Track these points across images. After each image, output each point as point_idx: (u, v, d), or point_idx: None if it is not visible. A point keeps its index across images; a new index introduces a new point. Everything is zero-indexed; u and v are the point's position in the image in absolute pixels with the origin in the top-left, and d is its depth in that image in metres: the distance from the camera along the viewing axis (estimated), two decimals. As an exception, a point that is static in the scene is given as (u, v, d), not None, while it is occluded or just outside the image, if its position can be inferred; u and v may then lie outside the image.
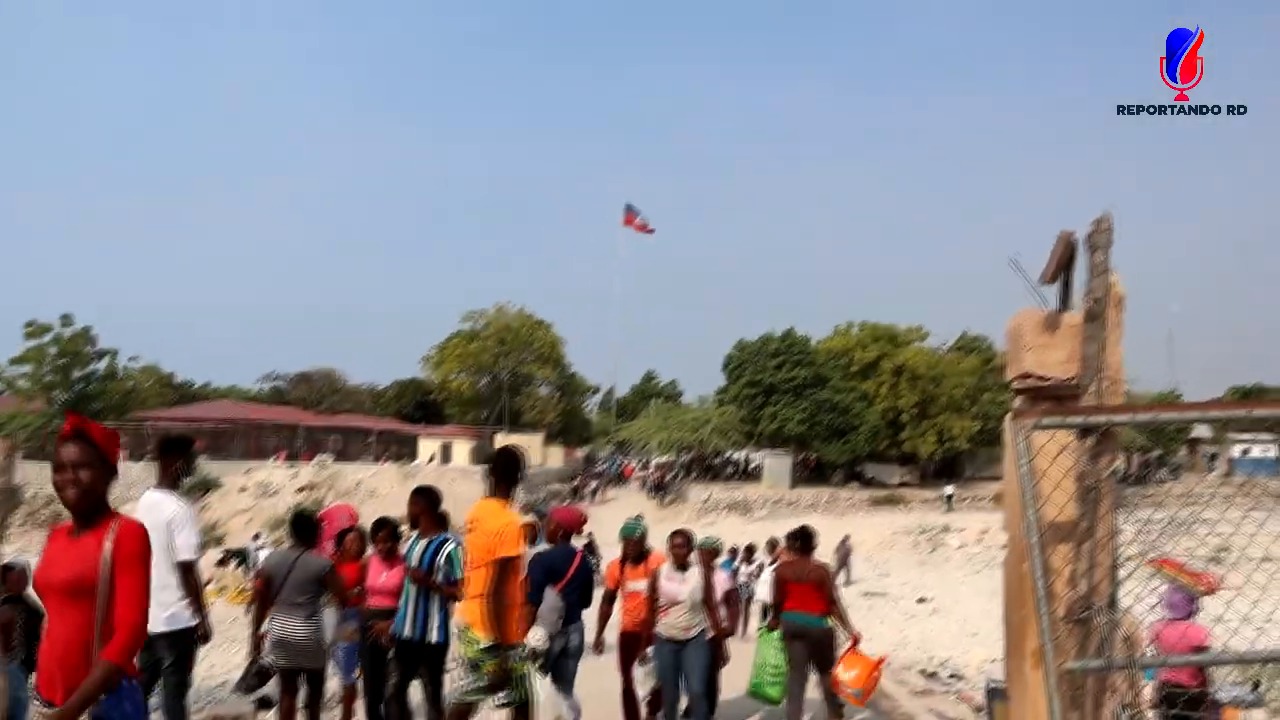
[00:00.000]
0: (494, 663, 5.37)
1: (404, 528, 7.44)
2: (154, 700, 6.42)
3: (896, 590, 26.55)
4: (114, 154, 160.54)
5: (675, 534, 7.53)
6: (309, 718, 7.02)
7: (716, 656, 7.73)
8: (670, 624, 7.22)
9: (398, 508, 7.64)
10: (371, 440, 56.51)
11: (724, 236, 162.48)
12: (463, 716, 5.74)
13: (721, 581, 8.24)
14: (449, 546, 6.51)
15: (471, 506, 5.83)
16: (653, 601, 7.29)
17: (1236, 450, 61.66)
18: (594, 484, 50.49)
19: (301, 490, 36.54)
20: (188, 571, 6.14)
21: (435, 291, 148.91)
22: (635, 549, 7.65)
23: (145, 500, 6.31)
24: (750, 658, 8.75)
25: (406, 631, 6.44)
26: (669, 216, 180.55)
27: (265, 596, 6.97)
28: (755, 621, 14.90)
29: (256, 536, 27.45)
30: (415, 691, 6.77)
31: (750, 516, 43.53)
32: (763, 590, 15.17)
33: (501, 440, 52.34)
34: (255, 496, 36.12)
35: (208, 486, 35.94)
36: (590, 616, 7.49)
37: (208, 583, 8.86)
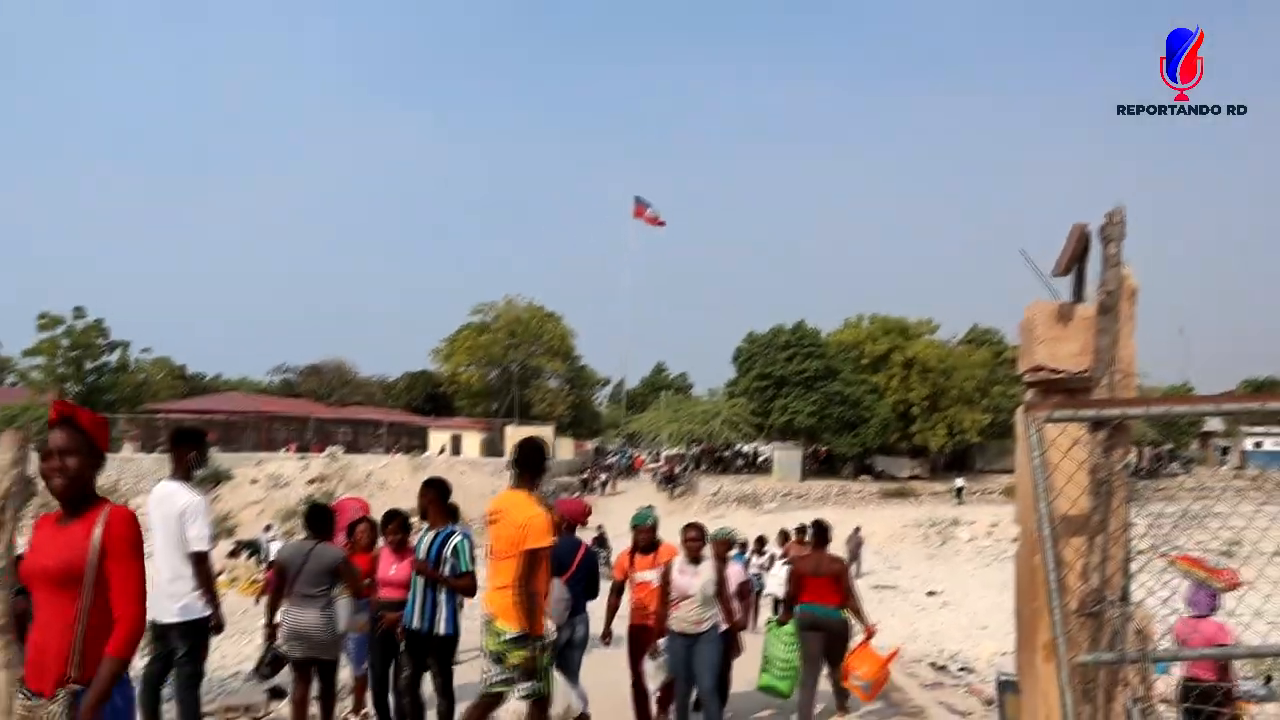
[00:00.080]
0: (519, 653, 5.38)
1: (415, 520, 7.45)
2: (167, 690, 6.47)
3: (906, 583, 26.53)
4: (124, 148, 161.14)
5: (688, 527, 7.47)
6: (322, 708, 7.05)
7: (729, 650, 7.68)
8: (681, 618, 7.16)
9: (408, 499, 7.67)
10: (382, 432, 56.64)
11: (734, 229, 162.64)
12: (489, 708, 5.73)
13: (735, 573, 8.21)
14: (456, 538, 6.52)
15: (495, 497, 5.85)
16: (665, 595, 7.24)
17: (1249, 443, 61.41)
18: (604, 476, 50.53)
19: (312, 482, 36.65)
20: (201, 562, 6.18)
21: (445, 284, 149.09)
22: (646, 538, 7.52)
23: (158, 491, 6.35)
24: (759, 651, 8.75)
25: (415, 623, 6.47)
26: (679, 209, 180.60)
27: (279, 587, 7.01)
28: (765, 614, 14.92)
29: (268, 528, 27.56)
30: (428, 683, 6.79)
31: (760, 509, 43.51)
32: (773, 584, 15.19)
33: (512, 432, 52.43)
34: (266, 488, 36.25)
35: (219, 478, 36.07)
36: (596, 608, 7.49)
37: (219, 574, 8.91)
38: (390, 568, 7.27)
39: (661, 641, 7.39)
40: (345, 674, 7.96)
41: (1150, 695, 2.93)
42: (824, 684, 8.82)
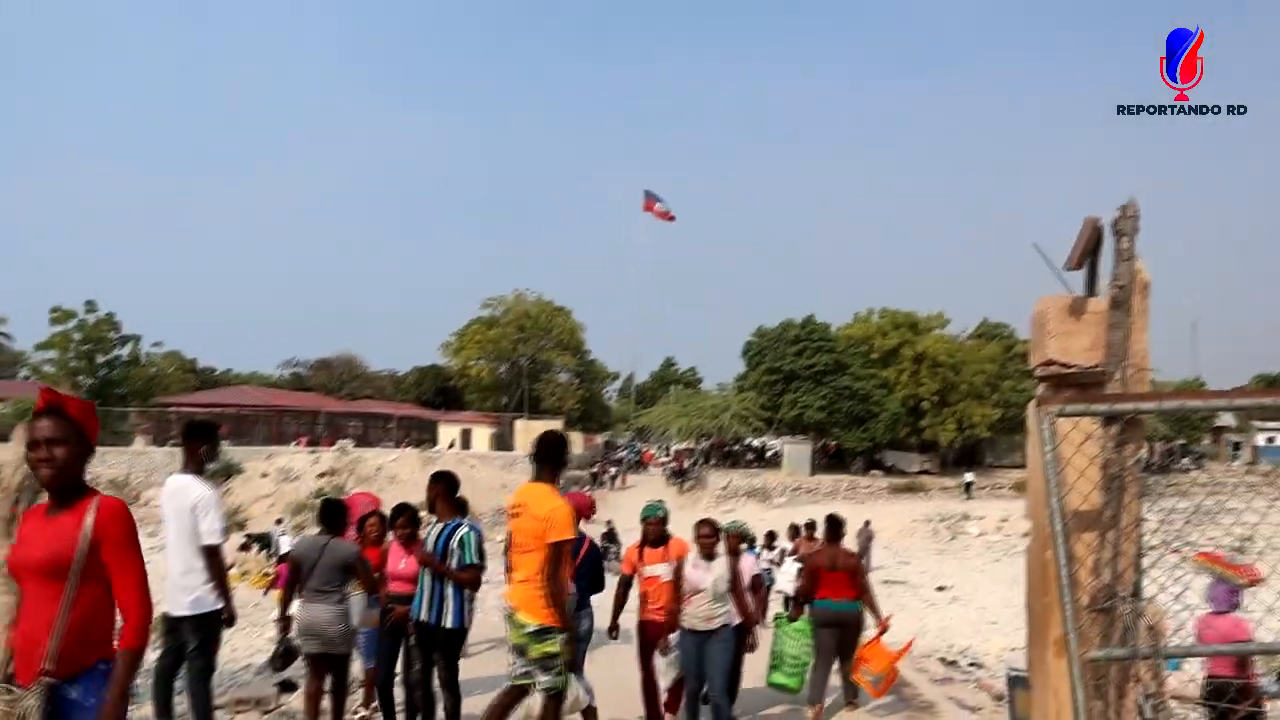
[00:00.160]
0: (540, 647, 5.39)
1: (424, 514, 7.47)
2: (179, 683, 6.50)
3: (916, 578, 26.47)
4: (130, 145, 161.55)
5: (702, 523, 7.40)
6: (333, 702, 7.08)
7: (741, 647, 7.64)
8: (692, 614, 7.12)
9: (418, 493, 7.70)
10: (392, 426, 56.78)
11: (744, 224, 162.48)
12: (515, 700, 5.73)
13: (748, 566, 8.18)
14: (462, 531, 6.52)
15: (516, 491, 5.85)
16: (677, 592, 7.17)
17: (1261, 439, 61.15)
18: (613, 470, 50.54)
19: (322, 476, 36.70)
20: (212, 555, 6.19)
21: (454, 279, 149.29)
22: (656, 531, 7.43)
23: (171, 485, 6.37)
24: (768, 646, 8.74)
25: (423, 616, 6.48)
26: (689, 204, 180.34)
27: (293, 582, 7.04)
28: (774, 609, 14.92)
29: (279, 521, 27.63)
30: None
31: (769, 503, 43.48)
32: (783, 581, 15.17)
33: (522, 426, 52.56)
34: (277, 482, 36.31)
35: (230, 472, 36.18)
36: (601, 601, 7.48)
37: (230, 567, 8.97)
38: (399, 562, 7.30)
39: (673, 637, 7.35)
40: (356, 668, 7.98)
41: (1162, 691, 2.92)
42: (833, 678, 8.84)
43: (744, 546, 9.50)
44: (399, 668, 7.58)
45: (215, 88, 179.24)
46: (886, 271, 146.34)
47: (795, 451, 50.59)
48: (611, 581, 7.65)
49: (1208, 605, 6.66)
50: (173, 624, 6.30)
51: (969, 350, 55.12)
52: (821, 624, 8.55)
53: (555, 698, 5.55)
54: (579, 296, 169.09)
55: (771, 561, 18.10)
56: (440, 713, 6.66)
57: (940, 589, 24.51)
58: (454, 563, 6.44)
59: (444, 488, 6.76)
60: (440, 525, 6.61)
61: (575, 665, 6.96)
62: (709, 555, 7.19)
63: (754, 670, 8.62)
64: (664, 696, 7.71)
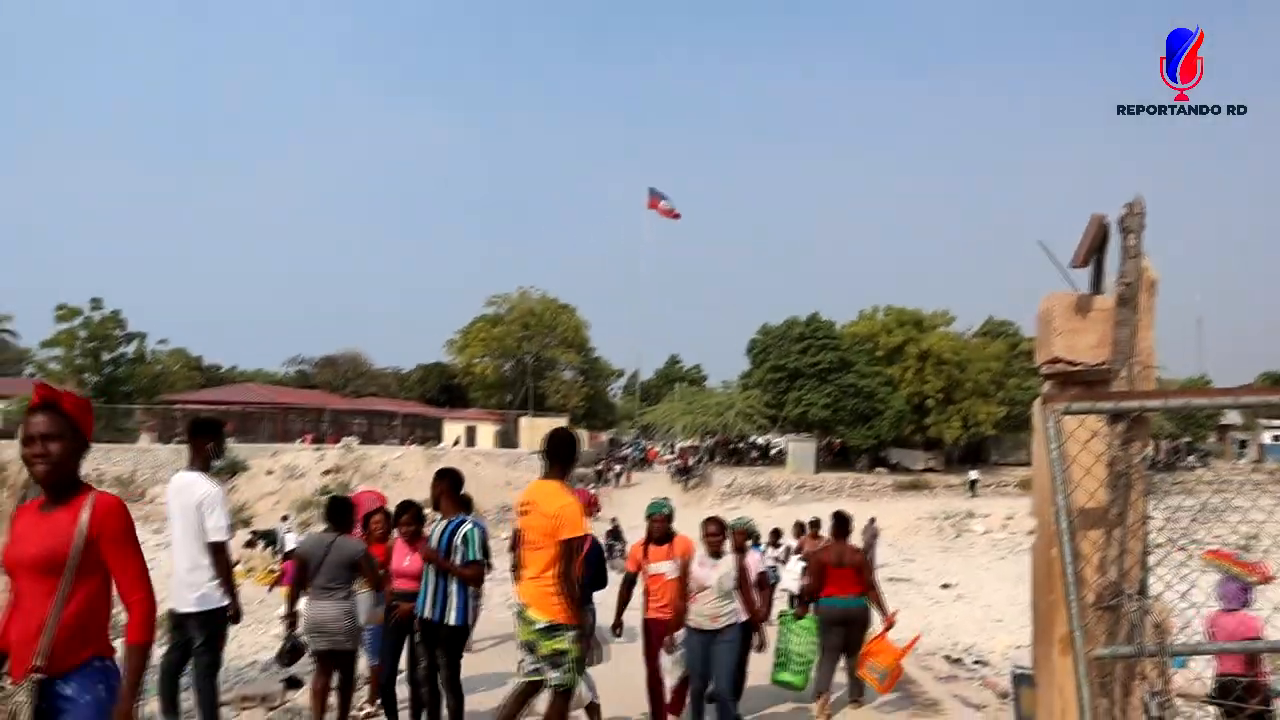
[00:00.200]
0: (550, 643, 5.39)
1: (428, 511, 7.47)
2: (185, 680, 6.52)
3: (921, 576, 26.44)
4: (139, 142, 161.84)
5: (708, 521, 7.36)
6: (340, 699, 7.10)
7: (748, 644, 7.60)
8: (698, 611, 7.07)
9: (423, 490, 7.70)
10: (397, 423, 56.81)
11: (749, 222, 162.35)
12: (527, 697, 5.72)
13: (755, 562, 8.15)
14: (465, 527, 6.52)
15: (525, 488, 5.85)
16: (684, 590, 7.14)
17: (1267, 436, 61.00)
18: (618, 468, 50.54)
19: (327, 473, 36.76)
20: (219, 552, 6.21)
21: (458, 277, 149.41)
22: (661, 529, 7.39)
23: (176, 481, 6.38)
24: (772, 643, 8.73)
25: (427, 612, 6.48)
26: (694, 202, 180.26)
27: (300, 578, 7.06)
28: (778, 606, 14.91)
29: (285, 518, 27.68)
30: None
31: (774, 501, 43.46)
32: (788, 579, 15.16)
33: (527, 424, 52.58)
34: (282, 479, 36.39)
35: (235, 469, 36.24)
36: (602, 599, 7.47)
37: (236, 564, 8.99)
38: (404, 559, 7.31)
39: (679, 635, 7.33)
40: (362, 665, 8.00)
41: (1168, 689, 2.92)
42: (838, 676, 8.83)
43: (749, 544, 9.49)
44: (403, 665, 7.59)
45: (217, 87, 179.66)
46: (892, 270, 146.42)
47: (800, 449, 50.57)
48: (616, 579, 7.63)
49: (1218, 603, 6.65)
50: (179, 620, 6.31)
51: (974, 348, 55.05)
52: (828, 621, 8.55)
53: (564, 694, 5.56)
54: (583, 294, 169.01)
55: (776, 559, 18.07)
56: (444, 711, 6.66)
57: (945, 586, 24.48)
58: (458, 559, 6.44)
59: (448, 485, 6.76)
60: (444, 522, 6.62)
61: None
62: (716, 553, 7.17)
63: (758, 668, 8.62)
64: (669, 695, 7.67)
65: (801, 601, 9.18)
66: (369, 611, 7.32)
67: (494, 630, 12.31)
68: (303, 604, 7.07)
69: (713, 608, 7.06)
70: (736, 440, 54.24)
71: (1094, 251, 3.12)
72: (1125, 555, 2.87)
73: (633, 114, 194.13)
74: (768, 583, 8.88)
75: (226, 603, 6.26)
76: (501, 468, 41.07)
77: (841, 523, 9.03)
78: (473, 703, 6.70)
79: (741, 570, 7.30)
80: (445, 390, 73.43)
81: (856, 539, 9.54)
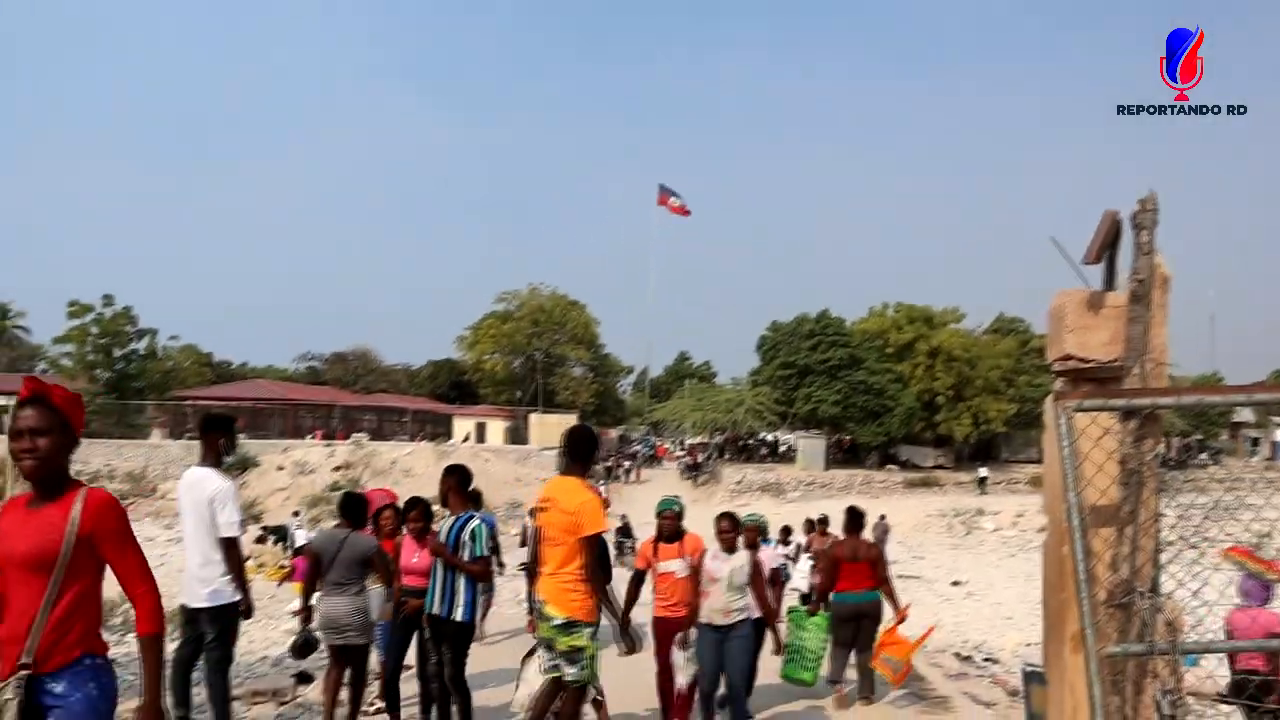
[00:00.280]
0: (566, 639, 5.39)
1: (438, 507, 7.49)
2: (196, 674, 6.55)
3: (930, 573, 26.37)
4: (147, 139, 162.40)
5: (721, 517, 7.34)
6: (351, 694, 7.13)
7: (760, 641, 7.56)
8: (710, 606, 7.04)
9: (433, 487, 7.71)
10: (406, 420, 56.89)
11: (757, 219, 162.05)
12: (554, 695, 5.70)
13: (768, 557, 8.14)
14: (473, 523, 6.54)
15: (545, 485, 5.86)
16: (697, 587, 7.10)
17: (1280, 435, 60.67)
18: (627, 464, 50.52)
19: (338, 469, 36.83)
20: (231, 548, 6.23)
21: (469, 274, 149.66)
22: (670, 526, 7.30)
23: (188, 477, 6.41)
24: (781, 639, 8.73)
25: (435, 608, 6.50)
26: (704, 199, 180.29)
27: (314, 574, 7.10)
28: (787, 603, 14.88)
29: (296, 514, 27.75)
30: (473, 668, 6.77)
31: (784, 498, 43.42)
32: (798, 578, 15.14)
33: (537, 420, 52.63)
34: (292, 475, 36.46)
35: (246, 465, 36.35)
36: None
37: (247, 559, 9.00)
38: (413, 556, 7.32)
39: (693, 633, 7.29)
40: (375, 660, 8.02)
41: (1180, 687, 2.91)
42: (849, 673, 8.83)
43: (760, 540, 9.48)
44: (412, 661, 7.61)
45: (220, 86, 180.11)
46: (901, 268, 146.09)
47: (810, 446, 50.48)
48: (623, 575, 7.61)
49: (1240, 599, 6.63)
50: (191, 615, 6.34)
51: (985, 345, 54.87)
52: (840, 616, 8.59)
53: (579, 690, 5.56)
54: (593, 291, 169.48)
55: (787, 556, 18.05)
56: (454, 707, 6.67)
57: (955, 584, 24.42)
58: (465, 555, 6.45)
59: (456, 481, 6.78)
60: (453, 518, 6.64)
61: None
62: (729, 549, 7.14)
63: (767, 665, 8.62)
64: (680, 690, 7.59)
65: (815, 600, 9.18)
66: (381, 607, 7.35)
67: (503, 626, 12.35)
68: (316, 599, 7.11)
69: (724, 602, 7.03)
70: (746, 437, 54.18)
71: (1107, 248, 3.11)
72: (1137, 553, 2.86)
73: (638, 112, 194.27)
74: (780, 579, 8.89)
75: (238, 598, 6.29)
76: (511, 464, 41.12)
77: (854, 518, 9.07)
78: (486, 698, 6.71)
79: (755, 565, 7.26)
80: (455, 386, 73.54)
81: (868, 535, 9.56)
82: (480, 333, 66.17)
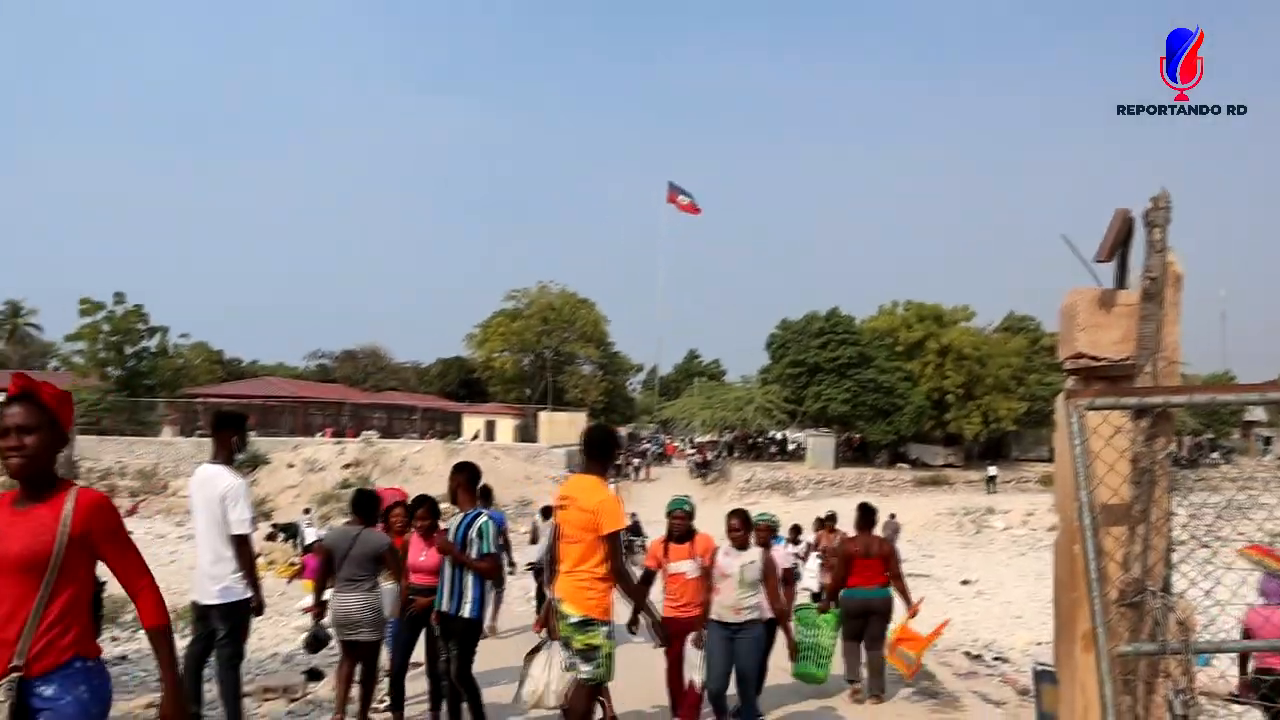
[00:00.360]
0: (581, 637, 5.40)
1: (446, 505, 7.50)
2: (208, 671, 6.58)
3: (940, 572, 26.32)
4: (163, 135, 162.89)
5: (732, 514, 7.31)
6: (362, 690, 7.15)
7: (771, 640, 7.51)
8: (720, 603, 7.00)
9: (442, 484, 7.73)
10: (416, 417, 56.98)
11: (769, 216, 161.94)
12: (594, 698, 5.70)
13: (780, 556, 8.10)
14: (480, 520, 6.55)
15: (564, 483, 5.86)
16: (708, 584, 7.08)
17: (1292, 433, 60.40)
18: (637, 462, 50.50)
19: (348, 466, 36.91)
20: (242, 545, 6.25)
21: (478, 272, 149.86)
22: (681, 526, 7.24)
23: (200, 474, 6.43)
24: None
25: (444, 605, 6.52)
26: (712, 197, 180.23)
27: (326, 570, 7.13)
28: (796, 602, 14.85)
29: (307, 511, 27.82)
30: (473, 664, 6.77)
31: (793, 496, 43.39)
32: (808, 578, 15.14)
33: (546, 418, 52.65)
34: (302, 472, 36.56)
35: (256, 462, 36.45)
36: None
37: (258, 556, 9.01)
38: (420, 554, 7.33)
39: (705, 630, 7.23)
40: (385, 656, 8.04)
41: (1192, 687, 2.90)
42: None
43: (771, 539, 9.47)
44: (420, 658, 7.62)
45: (237, 84, 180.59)
46: (910, 267, 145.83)
47: (819, 444, 50.44)
48: (634, 574, 7.58)
49: (1258, 599, 6.60)
50: (202, 612, 6.36)
51: (995, 343, 54.72)
52: (851, 612, 8.61)
53: (592, 688, 5.56)
54: (602, 290, 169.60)
55: (797, 555, 18.03)
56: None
57: (965, 583, 24.38)
58: (473, 552, 6.46)
59: (465, 478, 6.79)
60: (461, 515, 6.65)
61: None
62: (739, 546, 7.11)
63: (777, 663, 8.61)
64: (692, 688, 7.54)
65: (830, 595, 9.19)
66: (394, 604, 7.37)
67: (513, 624, 12.37)
68: (329, 595, 7.14)
69: (735, 599, 6.98)
70: (755, 435, 54.15)
71: (1119, 246, 3.10)
72: (1149, 552, 2.85)
73: (647, 110, 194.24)
74: (793, 578, 8.89)
75: (249, 595, 6.31)
76: (520, 462, 41.14)
77: (866, 514, 9.12)
78: (492, 695, 6.72)
79: (767, 563, 7.21)
80: (464, 384, 73.63)
81: (878, 533, 9.59)
82: (489, 331, 66.19)
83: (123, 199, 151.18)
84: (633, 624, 7.22)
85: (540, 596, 11.61)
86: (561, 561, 5.63)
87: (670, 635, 7.31)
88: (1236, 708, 7.14)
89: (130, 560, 3.15)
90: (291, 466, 37.10)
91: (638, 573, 7.66)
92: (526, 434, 53.09)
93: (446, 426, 54.97)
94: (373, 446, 39.73)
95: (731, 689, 7.24)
